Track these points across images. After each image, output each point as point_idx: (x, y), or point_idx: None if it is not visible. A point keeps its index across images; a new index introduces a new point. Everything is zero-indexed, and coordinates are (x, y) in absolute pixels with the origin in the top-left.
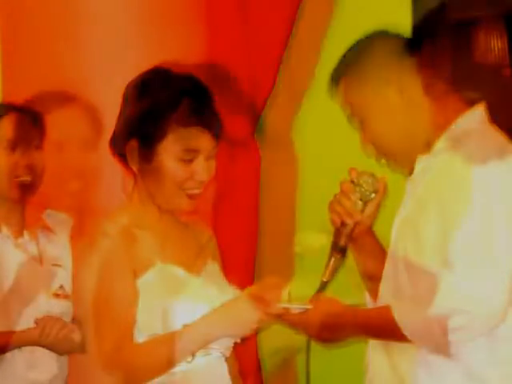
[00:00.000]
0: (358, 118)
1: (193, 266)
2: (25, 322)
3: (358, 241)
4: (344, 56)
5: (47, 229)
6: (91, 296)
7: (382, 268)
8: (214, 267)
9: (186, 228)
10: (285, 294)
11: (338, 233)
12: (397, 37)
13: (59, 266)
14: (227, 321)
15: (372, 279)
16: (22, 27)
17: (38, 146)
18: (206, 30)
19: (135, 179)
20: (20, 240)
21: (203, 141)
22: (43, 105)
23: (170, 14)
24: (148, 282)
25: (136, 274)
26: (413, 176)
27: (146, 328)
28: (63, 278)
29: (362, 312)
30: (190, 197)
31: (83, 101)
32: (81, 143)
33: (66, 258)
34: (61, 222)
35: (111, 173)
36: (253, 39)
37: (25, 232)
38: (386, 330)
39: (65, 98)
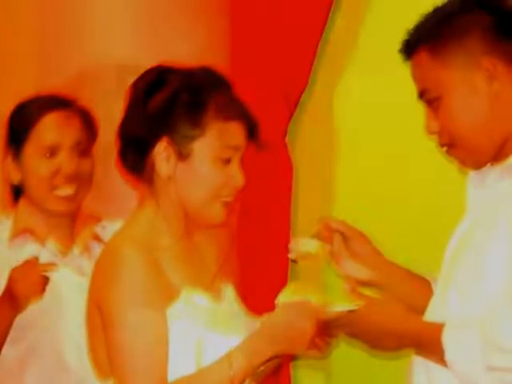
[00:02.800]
0: (433, 94)
1: (212, 292)
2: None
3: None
4: (429, 18)
5: (101, 242)
6: (124, 338)
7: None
8: (230, 291)
9: (198, 247)
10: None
11: None
12: (495, 12)
13: None
14: (281, 335)
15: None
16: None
17: (84, 152)
18: (231, 25)
19: (152, 190)
20: (69, 257)
21: (241, 138)
22: (36, 108)
23: (192, 5)
24: (177, 313)
25: (164, 306)
26: (480, 188)
27: (175, 363)
28: None
29: (414, 322)
30: (224, 206)
31: (77, 105)
32: (74, 148)
33: None
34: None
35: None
36: (285, 36)
37: (74, 246)
38: (431, 348)
39: (58, 102)
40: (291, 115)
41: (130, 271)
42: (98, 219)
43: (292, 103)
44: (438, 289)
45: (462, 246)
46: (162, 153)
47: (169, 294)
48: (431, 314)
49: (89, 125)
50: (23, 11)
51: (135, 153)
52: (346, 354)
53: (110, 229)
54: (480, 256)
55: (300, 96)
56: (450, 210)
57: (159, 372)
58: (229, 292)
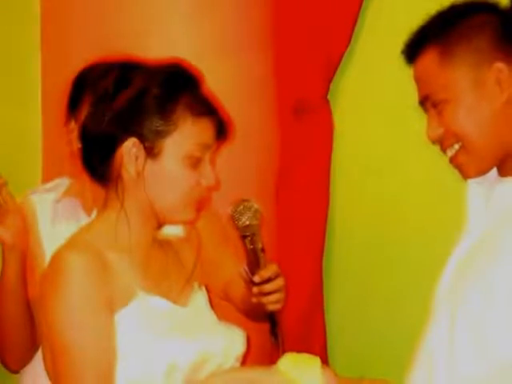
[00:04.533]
0: (440, 96)
1: (179, 294)
2: None
3: None
4: (436, 19)
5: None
6: (62, 343)
7: None
8: (201, 294)
9: (170, 248)
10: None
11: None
12: (502, 16)
13: None
14: None
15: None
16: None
17: None
18: None
19: (117, 191)
20: None
21: (212, 136)
22: None
23: None
24: (129, 316)
25: (114, 308)
26: (484, 200)
27: (125, 370)
28: None
29: None
30: (195, 205)
31: None
32: None
33: None
34: None
35: None
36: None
37: None
38: None
39: None
40: (332, 77)
41: (70, 277)
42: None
43: (332, 65)
44: (440, 314)
45: (465, 267)
46: (130, 150)
47: (120, 296)
48: (437, 348)
49: None
50: None
51: (100, 154)
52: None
53: None
54: (487, 288)
55: (341, 58)
56: (449, 209)
57: (106, 378)
58: (199, 295)
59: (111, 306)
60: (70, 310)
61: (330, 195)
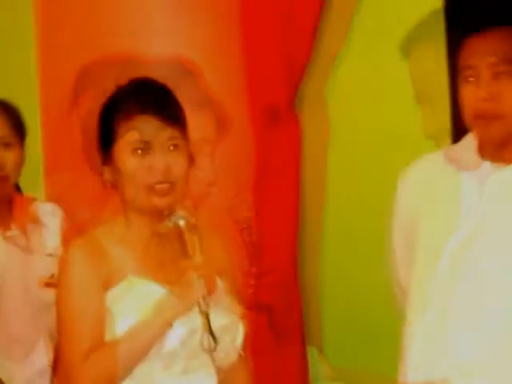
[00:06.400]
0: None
1: (175, 283)
2: (17, 310)
3: None
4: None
5: (36, 220)
6: (60, 313)
7: None
8: (198, 285)
9: (173, 240)
10: None
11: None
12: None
13: (52, 255)
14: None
15: None
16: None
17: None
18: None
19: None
20: (8, 233)
21: (154, 130)
22: None
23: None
24: (117, 295)
25: (105, 287)
26: (481, 189)
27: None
28: (56, 267)
29: None
30: (159, 193)
31: (2, 101)
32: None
33: (59, 248)
34: (50, 212)
35: None
36: (287, 10)
37: (12, 225)
38: None
39: None
40: (297, 87)
41: (71, 262)
42: (32, 200)
43: (296, 75)
44: (432, 302)
45: (460, 256)
46: (103, 163)
47: (111, 277)
48: (429, 334)
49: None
50: None
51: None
52: (335, 329)
53: (43, 209)
54: (482, 276)
55: (304, 69)
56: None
57: (98, 335)
58: (195, 286)
59: (105, 286)
60: (71, 286)
61: (323, 188)
